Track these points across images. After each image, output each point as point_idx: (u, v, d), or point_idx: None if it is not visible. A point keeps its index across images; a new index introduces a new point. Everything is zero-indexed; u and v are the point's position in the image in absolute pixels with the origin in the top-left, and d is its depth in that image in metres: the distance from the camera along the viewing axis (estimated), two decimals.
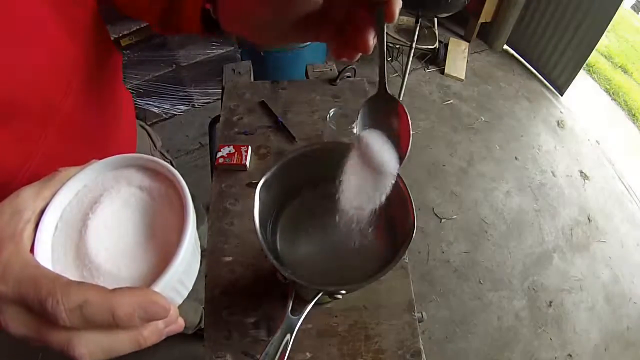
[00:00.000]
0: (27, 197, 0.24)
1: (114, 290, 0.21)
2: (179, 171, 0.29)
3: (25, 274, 0.21)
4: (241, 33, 0.36)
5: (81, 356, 0.20)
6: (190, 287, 0.30)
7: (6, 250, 0.22)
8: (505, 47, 2.65)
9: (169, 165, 0.29)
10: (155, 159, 0.29)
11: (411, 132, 0.34)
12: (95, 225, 0.26)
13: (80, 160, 0.29)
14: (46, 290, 0.20)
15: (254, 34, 0.34)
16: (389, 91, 0.35)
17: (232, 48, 1.85)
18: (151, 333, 0.22)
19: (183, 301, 0.28)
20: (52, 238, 0.25)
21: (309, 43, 1.85)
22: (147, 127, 0.82)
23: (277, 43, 0.35)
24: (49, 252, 0.25)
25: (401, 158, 0.35)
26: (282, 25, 0.32)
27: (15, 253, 0.22)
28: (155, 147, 0.83)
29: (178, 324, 0.25)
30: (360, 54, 0.32)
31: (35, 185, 0.25)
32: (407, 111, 0.34)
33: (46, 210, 0.25)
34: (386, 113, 0.36)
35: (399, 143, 0.35)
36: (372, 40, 0.30)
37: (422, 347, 0.62)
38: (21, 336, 0.21)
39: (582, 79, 2.52)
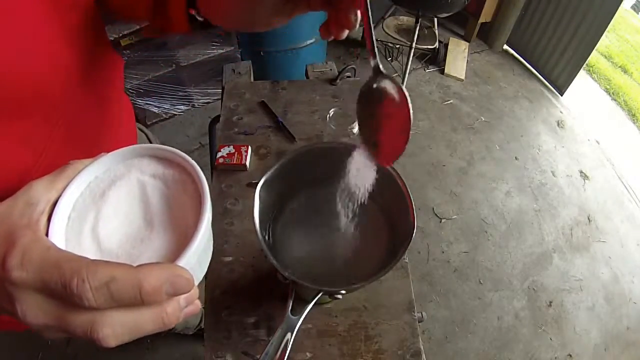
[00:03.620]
0: (40, 189, 0.24)
1: (140, 265, 0.21)
2: None
3: (47, 258, 0.20)
4: (231, 16, 0.37)
5: (105, 337, 0.20)
6: (204, 272, 0.29)
7: (24, 237, 0.21)
8: (505, 47, 2.65)
9: (180, 152, 0.29)
10: (166, 147, 0.29)
11: (411, 124, 0.32)
12: (107, 214, 0.26)
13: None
14: (70, 271, 0.19)
15: (245, 13, 0.35)
16: (383, 70, 0.34)
17: (232, 48, 1.85)
18: (173, 310, 0.22)
19: None
20: (66, 228, 0.25)
21: (309, 42, 1.85)
22: (146, 130, 0.83)
23: (271, 18, 0.36)
24: (62, 243, 0.25)
25: (396, 154, 0.35)
26: None
27: (34, 240, 0.21)
28: None
29: (196, 305, 0.24)
30: (346, 31, 0.34)
31: (47, 178, 0.25)
32: (407, 97, 0.32)
33: (59, 202, 0.25)
34: (381, 103, 0.35)
35: (397, 136, 0.34)
36: (355, 17, 0.33)
37: (422, 347, 0.62)
38: (40, 325, 0.21)
39: (582, 79, 2.52)
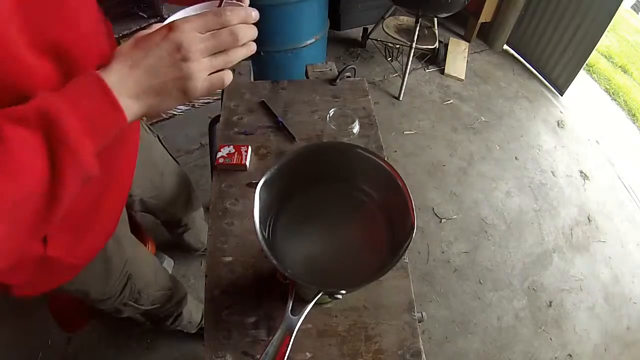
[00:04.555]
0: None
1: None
2: None
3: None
4: None
5: (239, 29, 0.39)
6: None
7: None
8: (505, 47, 2.65)
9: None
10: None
11: None
12: None
13: None
14: (213, 12, 0.38)
15: None
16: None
17: None
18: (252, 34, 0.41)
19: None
20: None
21: (309, 42, 1.84)
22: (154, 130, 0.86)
23: None
24: None
25: None
26: None
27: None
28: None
29: (253, 46, 0.42)
30: None
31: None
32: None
33: None
34: None
35: None
36: None
37: (422, 347, 0.62)
38: (199, 49, 0.37)
39: (582, 79, 2.52)
